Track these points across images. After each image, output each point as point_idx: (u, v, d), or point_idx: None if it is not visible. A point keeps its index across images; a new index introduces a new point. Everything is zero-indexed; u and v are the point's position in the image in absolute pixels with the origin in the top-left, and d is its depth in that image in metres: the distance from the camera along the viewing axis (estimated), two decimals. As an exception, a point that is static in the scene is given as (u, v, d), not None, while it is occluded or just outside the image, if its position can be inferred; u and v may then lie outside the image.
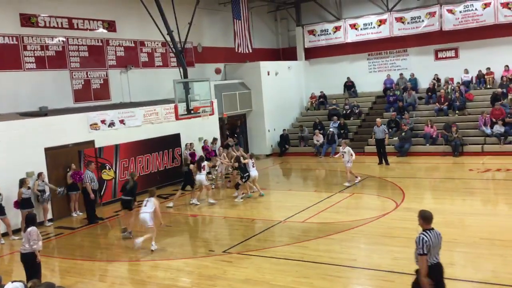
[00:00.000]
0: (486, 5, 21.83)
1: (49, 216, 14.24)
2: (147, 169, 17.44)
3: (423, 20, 23.38)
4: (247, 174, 15.33)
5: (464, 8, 22.30)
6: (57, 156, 14.51)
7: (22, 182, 13.05)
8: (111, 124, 16.29)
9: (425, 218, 6.21)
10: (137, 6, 16.97)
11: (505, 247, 9.49)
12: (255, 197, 15.40)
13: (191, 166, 15.48)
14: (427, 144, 20.65)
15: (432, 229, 6.19)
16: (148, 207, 11.23)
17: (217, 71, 16.32)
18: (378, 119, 20.25)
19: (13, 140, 13.49)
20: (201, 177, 15.13)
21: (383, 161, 19.30)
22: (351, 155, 16.19)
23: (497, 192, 14.80)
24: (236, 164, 15.95)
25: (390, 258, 9.41)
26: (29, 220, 8.80)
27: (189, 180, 15.34)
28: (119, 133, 16.54)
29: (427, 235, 6.07)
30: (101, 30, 17.89)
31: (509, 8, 21.45)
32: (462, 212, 12.07)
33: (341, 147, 16.91)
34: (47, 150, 14.33)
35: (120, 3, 18.37)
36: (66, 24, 16.69)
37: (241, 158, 15.81)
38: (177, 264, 10.17)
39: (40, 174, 13.71)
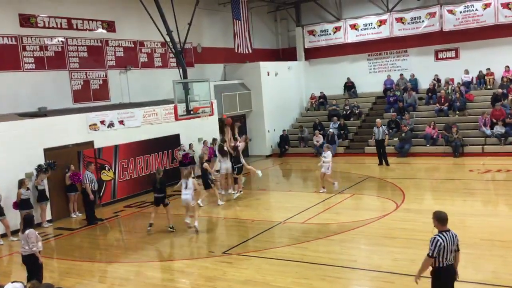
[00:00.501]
0: (487, 5, 21.80)
1: (48, 217, 14.20)
2: (146, 169, 17.39)
3: (423, 21, 23.35)
4: (240, 165, 15.28)
5: (465, 8, 22.28)
6: (56, 157, 14.44)
7: (21, 183, 13.02)
8: (111, 125, 16.26)
9: (440, 219, 6.12)
10: (137, 7, 16.93)
11: (505, 248, 9.46)
12: (256, 198, 15.35)
13: (205, 164, 14.99)
14: (428, 145, 20.62)
15: (448, 230, 6.09)
16: (189, 188, 12.38)
17: (227, 122, 16.22)
18: (378, 120, 20.18)
19: (12, 140, 13.46)
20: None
21: (383, 162, 19.22)
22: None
23: (497, 193, 14.76)
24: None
25: (391, 259, 9.38)
26: (27, 222, 8.78)
27: (204, 180, 14.86)
28: (119, 134, 16.50)
29: (442, 237, 5.98)
30: (100, 30, 17.85)
31: (510, 9, 21.42)
32: (462, 213, 12.03)
33: (323, 152, 15.96)
34: (46, 150, 14.29)
35: (119, 4, 18.34)
36: (65, 24, 16.65)
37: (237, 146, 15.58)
38: (177, 265, 10.13)
39: (38, 174, 13.68)
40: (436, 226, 6.16)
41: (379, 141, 19.40)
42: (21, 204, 12.96)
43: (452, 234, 6.08)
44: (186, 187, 12.44)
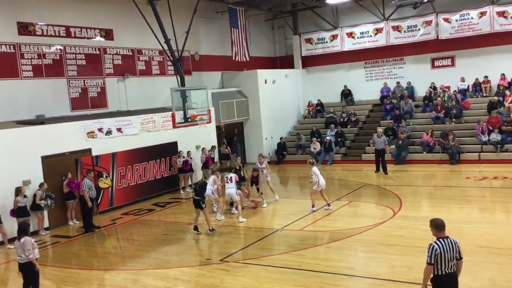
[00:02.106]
0: (482, 14, 21.98)
1: (46, 224, 14.17)
2: (144, 177, 17.39)
3: (419, 29, 23.51)
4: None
5: (460, 17, 22.45)
6: (54, 165, 14.47)
7: (18, 191, 12.99)
8: (108, 132, 16.27)
9: (437, 226, 6.15)
10: (135, 15, 17.01)
11: (502, 255, 9.49)
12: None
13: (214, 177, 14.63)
14: (424, 152, 20.69)
15: (447, 237, 6.10)
16: (233, 182, 13.43)
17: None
18: (379, 129, 19.75)
19: (10, 148, 13.45)
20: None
21: (381, 169, 19.07)
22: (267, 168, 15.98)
23: (494, 200, 14.80)
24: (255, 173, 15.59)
25: (388, 267, 9.39)
26: (22, 230, 8.73)
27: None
28: (116, 141, 16.51)
29: (439, 243, 5.99)
30: (98, 38, 17.93)
31: (505, 17, 21.60)
32: (459, 220, 12.06)
33: (258, 162, 16.01)
34: (44, 158, 14.29)
35: (117, 12, 18.42)
36: (63, 32, 16.72)
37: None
38: (174, 272, 10.11)
39: (42, 185, 13.68)
40: (434, 233, 6.19)
41: (379, 151, 19.09)
42: (18, 212, 12.93)
43: (451, 241, 6.07)
44: (227, 182, 13.54)
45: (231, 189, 13.62)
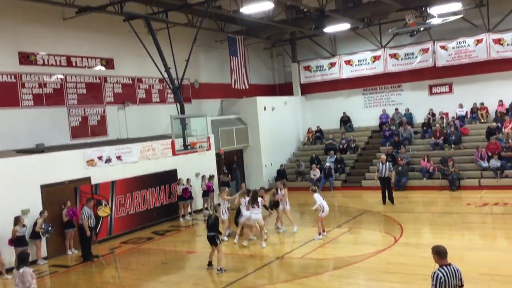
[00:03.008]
0: (479, 41, 22.25)
1: (44, 254, 14.03)
2: (143, 205, 17.32)
3: (416, 56, 23.77)
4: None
5: (457, 44, 22.72)
6: (53, 193, 14.41)
7: (17, 220, 12.91)
8: (108, 160, 16.27)
9: (439, 253, 6.08)
10: (135, 44, 17.21)
11: (505, 283, 9.39)
12: (254, 233, 15.24)
13: (227, 197, 14.89)
14: (424, 178, 20.66)
15: (449, 264, 6.04)
16: (259, 208, 13.43)
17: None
18: (383, 156, 18.86)
19: (9, 177, 13.42)
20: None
21: (387, 200, 18.11)
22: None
23: (495, 226, 14.72)
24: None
25: (390, 295, 9.28)
26: (21, 260, 8.64)
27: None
28: (116, 169, 16.50)
29: (443, 271, 5.93)
30: (99, 67, 18.11)
31: (501, 44, 21.87)
32: (461, 247, 11.97)
33: (278, 190, 15.31)
34: (43, 187, 14.25)
35: (118, 41, 18.64)
36: (64, 62, 16.89)
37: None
38: (174, 302, 9.98)
39: (42, 212, 13.61)
40: (436, 260, 6.13)
41: (384, 179, 18.01)
42: (16, 241, 12.83)
43: (454, 268, 6.02)
44: (253, 207, 13.45)
45: (257, 214, 13.50)
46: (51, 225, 13.68)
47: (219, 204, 16.48)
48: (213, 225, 11.68)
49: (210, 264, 11.98)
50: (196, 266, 12.37)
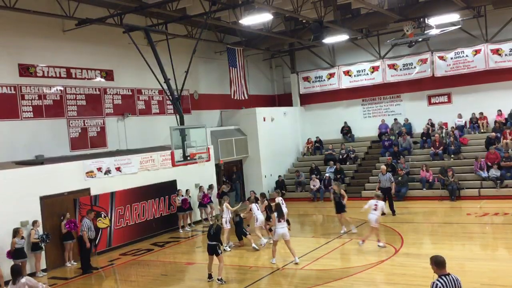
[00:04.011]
0: (477, 51, 22.36)
1: (43, 266, 13.96)
2: (143, 216, 17.27)
3: (415, 67, 23.87)
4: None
5: (455, 54, 22.82)
6: (52, 205, 14.39)
7: (16, 232, 12.86)
8: (107, 172, 16.25)
9: (438, 263, 6.07)
10: (135, 56, 17.26)
11: (507, 293, 9.35)
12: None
13: (243, 214, 15.32)
14: (424, 189, 20.64)
15: (448, 274, 6.02)
16: (284, 221, 12.59)
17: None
18: (383, 166, 18.96)
19: (9, 189, 13.39)
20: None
21: (389, 211, 17.95)
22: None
23: (496, 236, 14.67)
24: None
25: (391, 306, 9.22)
26: (17, 271, 8.56)
27: (240, 230, 15.10)
28: (115, 181, 16.47)
29: (441, 281, 5.91)
30: (98, 79, 18.15)
31: (499, 54, 21.97)
32: (461, 257, 11.93)
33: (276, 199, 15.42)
34: (43, 198, 14.22)
35: (117, 53, 18.71)
36: (64, 73, 16.93)
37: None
38: (173, 314, 9.92)
39: (35, 222, 13.56)
40: (435, 271, 6.11)
41: (385, 189, 17.88)
42: (15, 254, 12.76)
43: (453, 278, 6.00)
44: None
45: (283, 228, 12.54)
46: (46, 234, 13.62)
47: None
48: (215, 234, 11.61)
49: (210, 276, 11.85)
50: (196, 278, 12.30)
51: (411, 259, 12.17)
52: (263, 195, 16.44)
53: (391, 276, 10.97)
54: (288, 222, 13.26)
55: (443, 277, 5.98)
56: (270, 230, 14.94)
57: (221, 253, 11.66)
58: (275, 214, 12.70)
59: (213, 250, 11.58)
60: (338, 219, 16.18)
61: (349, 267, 11.88)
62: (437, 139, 22.25)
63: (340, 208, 15.82)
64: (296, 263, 12.46)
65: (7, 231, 12.90)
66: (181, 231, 18.07)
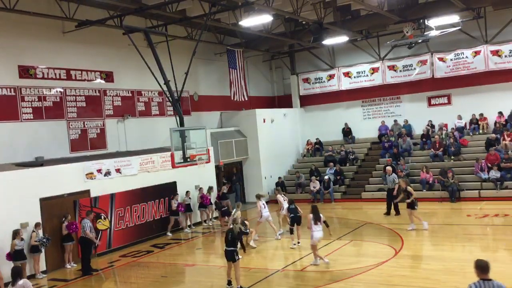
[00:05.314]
0: (476, 53, 22.37)
1: (42, 267, 13.94)
2: (142, 218, 17.25)
3: (415, 68, 23.88)
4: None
5: (455, 56, 22.83)
6: (52, 206, 14.37)
7: (16, 234, 12.84)
8: (107, 173, 16.24)
9: (479, 267, 6.02)
10: (135, 57, 17.26)
11: (507, 295, 9.31)
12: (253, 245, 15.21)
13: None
14: (424, 190, 20.62)
15: (490, 280, 5.90)
16: (320, 224, 12.38)
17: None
18: (388, 168, 19.07)
19: (8, 190, 13.38)
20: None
21: (391, 211, 18.20)
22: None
23: (496, 238, 14.67)
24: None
25: (391, 308, 9.21)
26: (17, 273, 8.55)
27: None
28: (115, 182, 16.46)
29: (477, 284, 5.83)
30: (98, 80, 18.15)
31: (499, 56, 21.98)
32: (462, 258, 11.89)
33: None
34: (43, 200, 14.20)
35: (117, 54, 18.72)
36: (64, 75, 16.93)
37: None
38: (173, 316, 9.90)
39: (37, 225, 13.54)
40: (477, 274, 6.00)
41: (390, 190, 18.18)
42: (15, 255, 12.75)
43: (494, 284, 5.85)
44: (317, 223, 12.24)
45: (320, 232, 12.31)
46: (47, 237, 13.60)
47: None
48: (233, 240, 11.05)
49: (229, 283, 11.22)
50: (196, 280, 12.28)
51: (411, 261, 12.15)
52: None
53: (391, 278, 10.94)
54: (326, 223, 12.72)
55: (481, 281, 5.89)
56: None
57: (238, 259, 11.09)
58: (311, 216, 12.39)
59: (230, 256, 11.03)
60: (408, 216, 15.83)
61: (349, 268, 11.85)
62: (437, 141, 22.24)
63: (410, 206, 15.53)
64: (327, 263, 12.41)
65: (7, 233, 12.88)
66: (169, 234, 17.77)
